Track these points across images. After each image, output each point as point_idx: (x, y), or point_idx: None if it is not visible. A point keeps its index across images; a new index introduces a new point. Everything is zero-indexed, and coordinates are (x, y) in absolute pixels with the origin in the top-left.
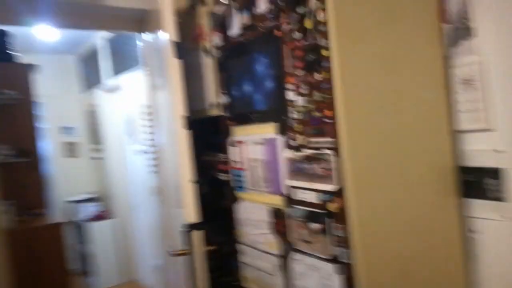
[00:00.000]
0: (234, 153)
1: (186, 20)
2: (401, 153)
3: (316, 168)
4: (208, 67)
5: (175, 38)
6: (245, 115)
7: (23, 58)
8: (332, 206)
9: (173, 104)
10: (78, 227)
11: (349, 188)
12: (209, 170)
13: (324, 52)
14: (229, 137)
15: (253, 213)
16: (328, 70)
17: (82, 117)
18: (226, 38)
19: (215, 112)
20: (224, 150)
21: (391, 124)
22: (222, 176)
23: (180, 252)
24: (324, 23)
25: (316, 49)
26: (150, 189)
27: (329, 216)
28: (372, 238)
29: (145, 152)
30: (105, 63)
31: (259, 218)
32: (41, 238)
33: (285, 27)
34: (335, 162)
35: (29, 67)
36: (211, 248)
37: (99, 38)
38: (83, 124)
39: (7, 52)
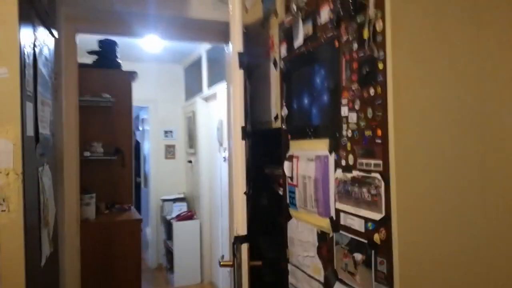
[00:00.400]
0: (288, 168)
1: (260, 33)
2: (464, 187)
3: (364, 192)
4: (275, 79)
5: (239, 48)
6: (301, 129)
7: (132, 66)
8: (377, 237)
9: (234, 113)
10: (168, 224)
11: (395, 218)
12: (270, 184)
13: (380, 65)
14: (287, 151)
15: (301, 233)
16: (382, 84)
17: (182, 123)
18: (290, 49)
19: (278, 124)
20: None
21: (453, 151)
22: (281, 190)
23: (226, 263)
24: (382, 33)
25: (372, 61)
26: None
27: (373, 247)
28: (418, 281)
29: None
30: (205, 73)
31: (307, 240)
32: (119, 232)
33: (344, 37)
34: (382, 187)
35: (130, 74)
36: (257, 263)
37: (202, 49)
38: (182, 129)
39: (116, 61)
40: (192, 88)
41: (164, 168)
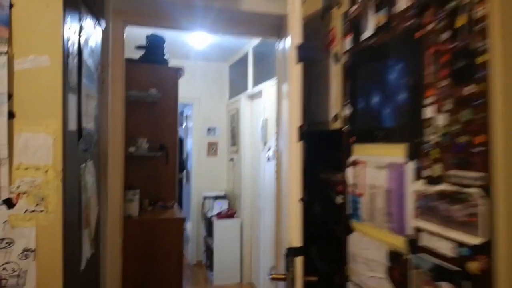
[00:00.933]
0: (352, 175)
1: (319, 26)
2: None
3: (455, 210)
4: (335, 75)
5: (297, 40)
6: (369, 131)
7: (177, 63)
8: (473, 266)
9: (290, 112)
10: (208, 221)
11: (502, 244)
12: (325, 190)
13: (479, 58)
14: (348, 155)
15: (367, 250)
16: (483, 81)
17: (225, 120)
18: (357, 41)
19: (337, 125)
20: (344, 169)
21: None
22: (339, 199)
23: (277, 276)
24: (482, 20)
25: (468, 54)
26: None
27: (467, 277)
28: None
29: (274, 159)
30: (251, 71)
31: (374, 258)
32: (161, 230)
33: (429, 26)
34: (484, 205)
35: (177, 71)
36: (313, 279)
37: (249, 46)
38: (225, 126)
39: (163, 57)
40: (237, 86)
41: (206, 165)
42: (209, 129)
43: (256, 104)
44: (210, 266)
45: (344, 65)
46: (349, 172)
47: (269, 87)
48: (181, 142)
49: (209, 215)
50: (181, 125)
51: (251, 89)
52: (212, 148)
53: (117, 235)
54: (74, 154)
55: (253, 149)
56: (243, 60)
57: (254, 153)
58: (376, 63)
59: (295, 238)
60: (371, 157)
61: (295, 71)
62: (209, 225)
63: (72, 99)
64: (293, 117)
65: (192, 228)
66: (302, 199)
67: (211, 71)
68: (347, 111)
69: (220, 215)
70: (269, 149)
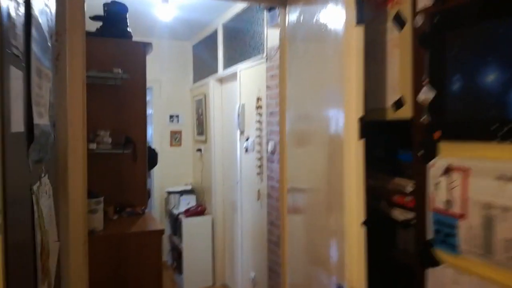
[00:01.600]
0: (442, 186)
1: None
2: None
3: None
4: (398, 45)
5: None
6: (474, 124)
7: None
8: None
9: (345, 96)
10: (174, 219)
11: None
12: (376, 200)
13: None
14: (429, 157)
15: None
16: None
17: (190, 106)
18: None
19: (403, 114)
20: (405, 173)
21: None
22: (399, 213)
23: None
24: None
25: None
26: (254, 192)
27: None
28: None
29: (253, 150)
30: (221, 51)
31: None
32: (134, 246)
33: None
34: None
35: (144, 46)
36: None
37: (218, 22)
38: (191, 113)
39: (126, 30)
40: (203, 68)
41: (169, 156)
42: (171, 116)
43: (229, 89)
44: (177, 268)
45: (418, 30)
46: (435, 181)
47: (245, 69)
48: None
49: (175, 212)
50: None
51: (222, 71)
52: (175, 138)
53: (81, 261)
54: (22, 173)
55: (225, 138)
56: (211, 39)
57: (227, 143)
58: (483, 24)
59: (357, 278)
60: (482, 163)
61: (355, 36)
62: (174, 223)
63: (17, 75)
64: (351, 106)
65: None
66: (366, 223)
67: (173, 51)
68: (426, 95)
69: (188, 213)
70: (247, 139)
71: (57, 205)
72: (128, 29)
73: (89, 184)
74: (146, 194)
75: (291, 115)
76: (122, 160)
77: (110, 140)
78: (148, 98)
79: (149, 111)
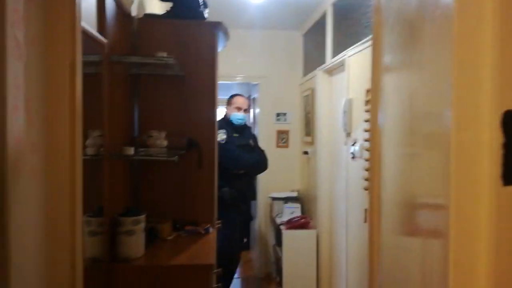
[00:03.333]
0: None
1: None
2: None
3: None
4: None
5: None
6: None
7: (238, 34)
8: None
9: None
10: (277, 228)
11: None
12: None
13: None
14: None
15: None
16: None
17: (298, 103)
18: None
19: None
20: None
21: None
22: None
23: None
24: None
25: None
26: (360, 211)
27: None
28: None
29: (361, 158)
30: (330, 37)
31: None
32: (175, 281)
33: None
34: None
35: (214, 27)
36: None
37: (327, 4)
38: (298, 111)
39: (197, 9)
40: (312, 58)
41: (274, 158)
42: (278, 115)
43: (338, 81)
44: (280, 283)
45: None
46: None
47: (355, 55)
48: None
49: (278, 221)
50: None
51: (329, 60)
52: (282, 138)
53: None
54: None
55: (333, 140)
56: (320, 24)
57: (335, 146)
58: None
59: None
60: None
61: None
62: (278, 233)
63: None
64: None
65: (259, 232)
66: None
67: (282, 43)
68: None
69: (290, 224)
70: (354, 143)
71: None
72: (204, 12)
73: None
74: (213, 209)
75: (390, 109)
76: (184, 166)
77: (165, 143)
78: (254, 95)
79: (256, 109)
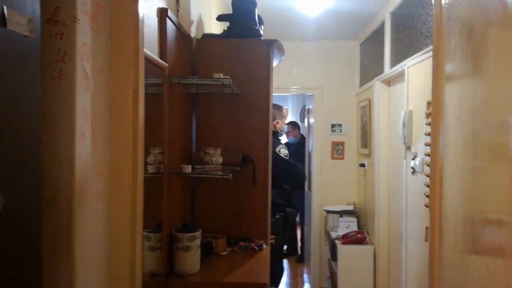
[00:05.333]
0: None
1: None
2: None
3: None
4: None
5: None
6: None
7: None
8: None
9: None
10: (332, 243)
11: None
12: None
13: None
14: None
15: None
16: None
17: (354, 114)
18: None
19: None
20: None
21: None
22: None
23: None
24: None
25: None
26: (421, 229)
27: None
28: None
29: (421, 173)
30: (388, 46)
31: None
32: None
33: None
34: None
35: (269, 44)
36: None
37: (385, 12)
38: (354, 122)
39: (253, 27)
40: (369, 68)
41: (329, 170)
42: (333, 126)
43: (397, 91)
44: None
45: None
46: None
47: (415, 65)
48: (302, 141)
49: (333, 235)
50: (302, 120)
51: (388, 70)
52: (337, 150)
53: None
54: None
55: (392, 153)
56: (378, 33)
57: (394, 159)
58: None
59: None
60: None
61: None
62: (333, 247)
63: None
64: None
65: (314, 245)
66: None
67: (337, 52)
68: None
69: (346, 239)
70: (414, 157)
71: None
72: (256, 26)
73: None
74: (266, 225)
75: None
76: (238, 183)
77: (221, 159)
78: (309, 106)
79: (311, 120)
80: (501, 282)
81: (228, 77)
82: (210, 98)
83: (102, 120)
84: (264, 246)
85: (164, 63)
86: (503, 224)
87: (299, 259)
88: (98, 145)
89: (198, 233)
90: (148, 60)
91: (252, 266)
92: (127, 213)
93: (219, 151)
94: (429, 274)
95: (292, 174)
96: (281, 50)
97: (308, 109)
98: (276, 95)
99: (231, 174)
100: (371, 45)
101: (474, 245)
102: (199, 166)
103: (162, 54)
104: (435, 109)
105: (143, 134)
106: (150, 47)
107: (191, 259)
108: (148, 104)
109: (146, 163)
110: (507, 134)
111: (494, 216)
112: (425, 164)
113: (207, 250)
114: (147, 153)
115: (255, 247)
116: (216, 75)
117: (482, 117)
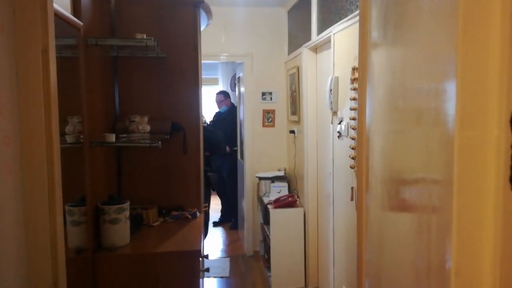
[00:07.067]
0: None
1: None
2: None
3: None
4: None
5: None
6: None
7: (221, 12)
8: None
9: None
10: (264, 207)
11: None
12: None
13: None
14: None
15: None
16: None
17: (283, 82)
18: None
19: None
20: None
21: None
22: None
23: None
24: None
25: None
26: (347, 190)
27: None
28: None
29: (347, 136)
30: (315, 12)
31: None
32: (161, 268)
33: None
34: None
35: (195, 6)
36: None
37: None
38: (284, 90)
39: None
40: (297, 36)
41: (261, 138)
42: (264, 94)
43: (324, 58)
44: (268, 261)
45: None
46: None
47: (340, 31)
48: (233, 109)
49: (265, 200)
50: (233, 89)
51: (315, 37)
52: (268, 117)
53: None
54: None
55: (320, 119)
56: (304, 0)
57: (321, 125)
58: None
59: None
60: None
61: None
62: (265, 211)
63: None
64: None
65: (247, 212)
66: None
67: (266, 20)
68: None
69: (277, 203)
70: (340, 121)
71: None
72: None
73: (116, 184)
74: (200, 194)
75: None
76: (168, 152)
77: (148, 127)
78: (239, 74)
79: (241, 89)
80: (412, 234)
81: (152, 38)
82: (134, 63)
83: (7, 83)
84: (198, 214)
85: (78, 21)
86: (417, 183)
87: (233, 225)
88: (3, 111)
89: (126, 205)
90: (58, 17)
91: (186, 234)
92: (43, 186)
93: (146, 119)
94: (357, 231)
95: (211, 141)
96: (208, 12)
97: (239, 78)
98: (205, 63)
99: (160, 142)
100: (299, 12)
101: (391, 203)
102: (125, 135)
103: (76, 11)
104: (361, 75)
105: (56, 99)
106: (62, 3)
107: (119, 232)
108: (64, 68)
109: (64, 133)
110: (421, 100)
111: (409, 176)
112: (351, 127)
113: (137, 222)
114: (64, 122)
115: (188, 216)
116: (139, 36)
117: (401, 83)
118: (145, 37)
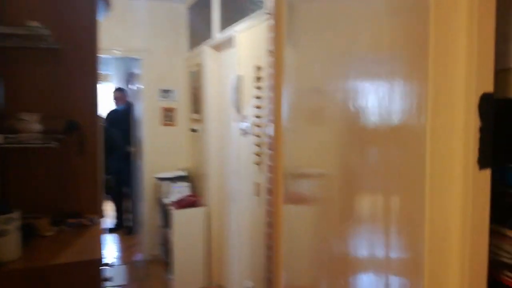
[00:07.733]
0: None
1: None
2: None
3: None
4: None
5: None
6: None
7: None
8: None
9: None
10: (164, 209)
11: None
12: None
13: None
14: None
15: None
16: None
17: (184, 80)
18: None
19: None
20: None
21: None
22: None
23: None
24: None
25: None
26: (251, 185)
27: None
28: None
29: (251, 134)
30: (216, 11)
31: None
32: (60, 282)
33: None
34: None
35: None
36: None
37: None
38: (185, 87)
39: None
40: (198, 33)
41: (160, 137)
42: (163, 91)
43: (227, 57)
44: (169, 264)
45: None
46: None
47: (244, 31)
48: (130, 107)
49: (165, 201)
50: (130, 86)
51: (218, 35)
52: (168, 116)
53: None
54: None
55: (223, 118)
56: None
57: (225, 123)
58: None
59: None
60: None
61: None
62: (165, 214)
63: None
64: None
65: (145, 215)
66: None
67: (165, 15)
68: None
69: (179, 203)
70: (244, 119)
71: None
72: None
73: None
74: (99, 199)
75: (294, 88)
76: (64, 154)
77: (39, 126)
78: (137, 71)
79: (140, 85)
80: (311, 221)
81: (45, 27)
82: (22, 55)
83: None
84: (97, 220)
85: None
86: (310, 176)
87: (129, 230)
88: None
89: (15, 214)
90: None
91: (85, 242)
92: None
93: (36, 117)
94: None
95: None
96: (107, 3)
97: (136, 74)
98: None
99: (54, 142)
100: (200, 10)
101: (293, 195)
102: (12, 136)
103: None
104: (277, 72)
105: None
106: None
107: (8, 245)
108: None
109: None
110: (316, 101)
111: (305, 170)
112: (254, 125)
113: (29, 233)
114: None
115: (87, 223)
116: (30, 24)
117: (303, 84)
118: (37, 25)
